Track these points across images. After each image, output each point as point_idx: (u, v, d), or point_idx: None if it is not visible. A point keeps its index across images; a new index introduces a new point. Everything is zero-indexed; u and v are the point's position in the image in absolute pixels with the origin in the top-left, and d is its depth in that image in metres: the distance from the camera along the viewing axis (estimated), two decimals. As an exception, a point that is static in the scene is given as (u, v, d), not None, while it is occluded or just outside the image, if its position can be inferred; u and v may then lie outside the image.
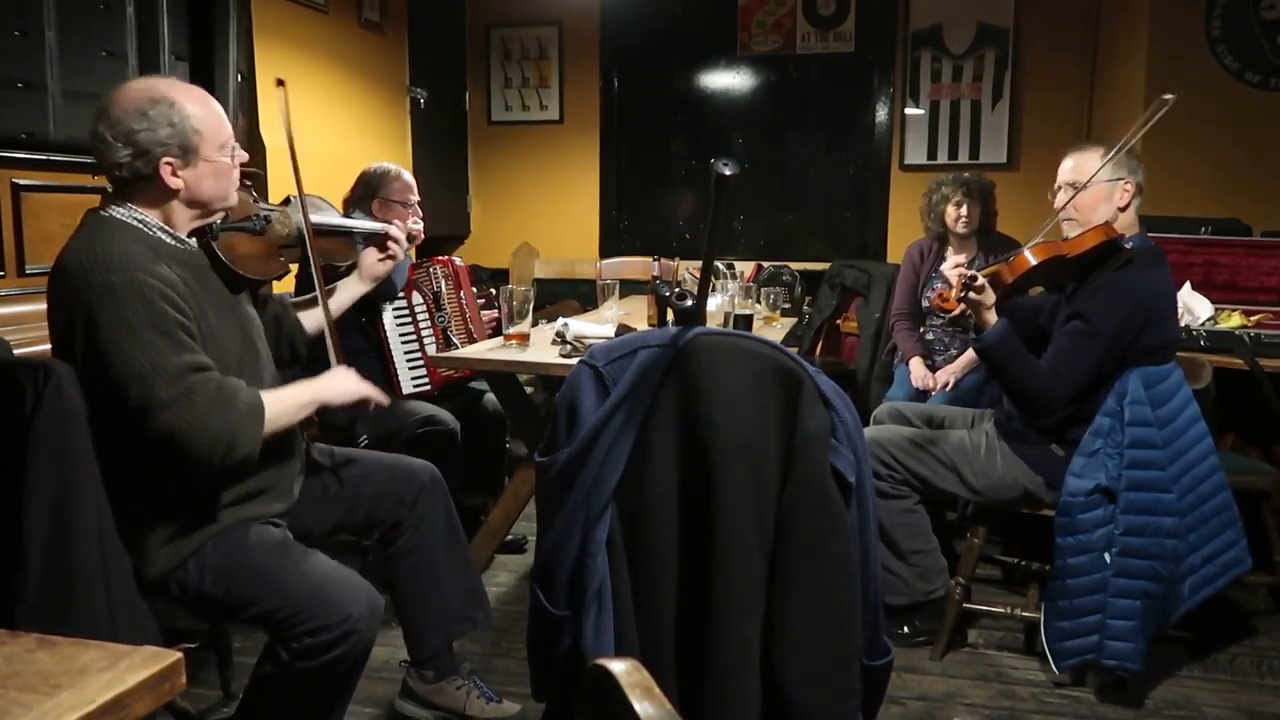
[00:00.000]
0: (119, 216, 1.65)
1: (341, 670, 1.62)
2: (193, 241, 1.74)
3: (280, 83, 1.97)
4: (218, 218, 1.78)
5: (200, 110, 1.66)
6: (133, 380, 1.52)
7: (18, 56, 2.57)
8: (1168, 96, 2.22)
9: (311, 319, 2.09)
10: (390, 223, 2.99)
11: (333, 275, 2.24)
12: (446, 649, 2.10)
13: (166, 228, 1.68)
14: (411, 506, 2.00)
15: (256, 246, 1.84)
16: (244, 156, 1.77)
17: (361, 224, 2.27)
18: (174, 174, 1.64)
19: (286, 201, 1.98)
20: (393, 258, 2.21)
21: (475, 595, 2.11)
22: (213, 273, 1.75)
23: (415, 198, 3.02)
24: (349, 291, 2.19)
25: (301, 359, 2.12)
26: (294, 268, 2.09)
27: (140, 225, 1.66)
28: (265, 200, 1.97)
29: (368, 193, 2.98)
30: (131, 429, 1.55)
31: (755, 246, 5.33)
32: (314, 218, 2.02)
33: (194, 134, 1.63)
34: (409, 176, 3.03)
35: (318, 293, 1.95)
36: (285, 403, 1.70)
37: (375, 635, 1.66)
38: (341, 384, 1.81)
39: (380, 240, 2.21)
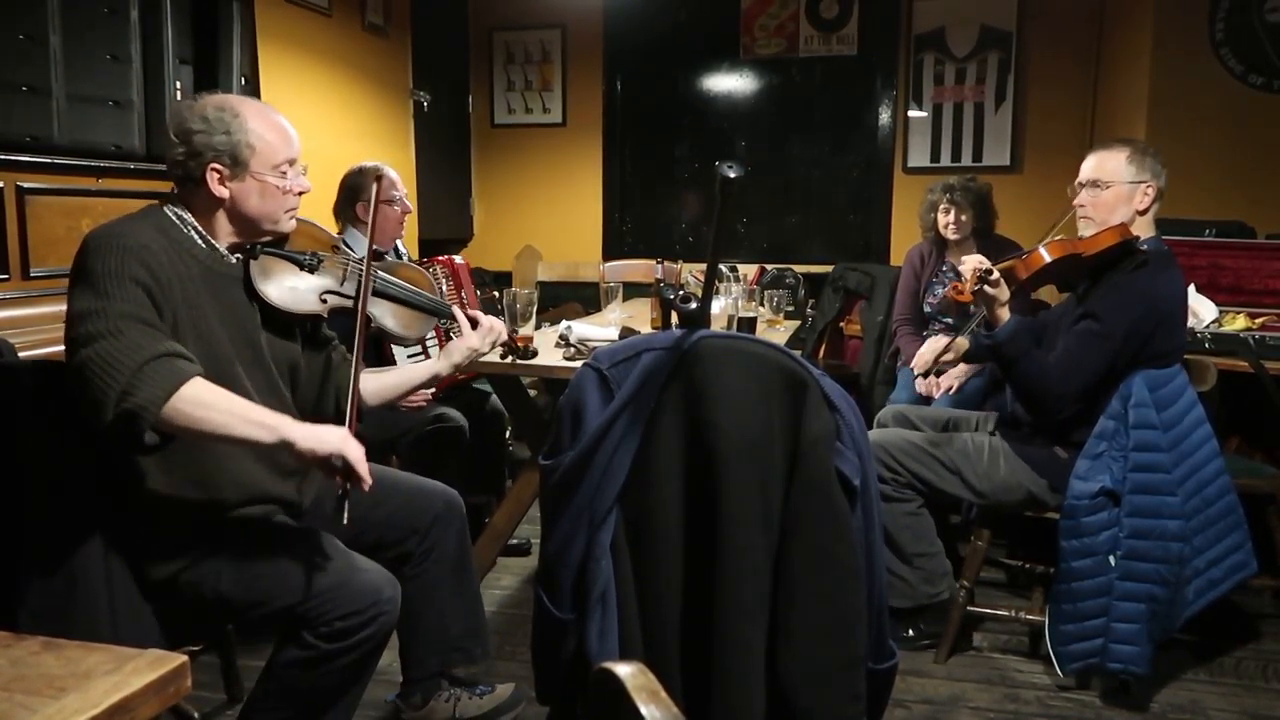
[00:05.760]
0: (164, 209, 1.67)
1: (369, 648, 1.65)
2: (232, 255, 1.72)
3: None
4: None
5: (263, 129, 1.66)
6: (76, 319, 1.49)
7: (22, 60, 2.57)
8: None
9: (373, 389, 1.92)
10: (382, 228, 2.83)
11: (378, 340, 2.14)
12: (436, 673, 2.09)
13: (203, 231, 1.68)
14: (424, 536, 1.96)
15: (296, 280, 1.79)
16: (306, 186, 1.74)
17: (432, 302, 2.02)
18: (221, 183, 1.64)
19: (378, 257, 1.86)
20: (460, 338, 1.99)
21: (476, 628, 2.08)
22: (238, 287, 1.72)
23: (399, 192, 2.87)
24: (425, 369, 1.99)
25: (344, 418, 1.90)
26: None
27: (175, 220, 1.66)
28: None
29: (350, 197, 2.86)
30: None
31: (759, 249, 5.33)
32: (390, 278, 1.92)
33: (247, 148, 1.64)
34: (391, 172, 2.86)
35: (356, 353, 1.77)
36: (233, 402, 1.50)
37: (398, 614, 1.69)
38: (321, 433, 1.53)
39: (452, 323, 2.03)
